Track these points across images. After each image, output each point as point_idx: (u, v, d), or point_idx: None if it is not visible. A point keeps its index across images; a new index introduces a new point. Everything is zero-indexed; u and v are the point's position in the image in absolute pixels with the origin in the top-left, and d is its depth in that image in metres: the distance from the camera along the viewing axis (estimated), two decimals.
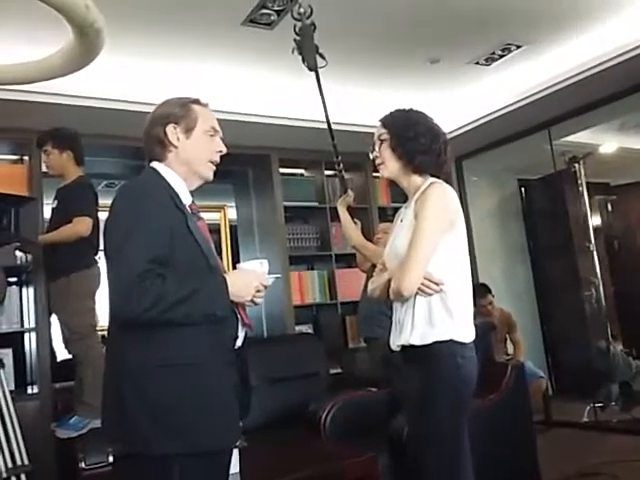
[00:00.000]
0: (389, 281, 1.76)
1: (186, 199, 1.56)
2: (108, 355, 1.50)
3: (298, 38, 2.30)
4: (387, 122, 1.87)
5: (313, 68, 2.23)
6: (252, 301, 1.52)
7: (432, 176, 1.84)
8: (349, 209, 2.46)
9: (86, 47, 2.29)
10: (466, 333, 1.74)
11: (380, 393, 2.87)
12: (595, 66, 3.39)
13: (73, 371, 2.85)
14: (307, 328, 4.31)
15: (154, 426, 1.37)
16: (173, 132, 1.55)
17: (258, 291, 1.51)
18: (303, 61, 2.29)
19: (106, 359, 1.50)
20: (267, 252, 4.20)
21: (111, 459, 2.36)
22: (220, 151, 1.61)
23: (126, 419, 1.39)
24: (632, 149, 5.38)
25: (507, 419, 2.95)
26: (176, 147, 1.55)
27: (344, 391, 2.95)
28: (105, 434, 1.50)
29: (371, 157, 1.92)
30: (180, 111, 1.57)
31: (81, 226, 2.75)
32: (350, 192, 2.50)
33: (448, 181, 1.87)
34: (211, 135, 1.60)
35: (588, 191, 4.79)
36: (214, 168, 1.62)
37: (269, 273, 1.57)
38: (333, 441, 2.66)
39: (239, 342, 1.56)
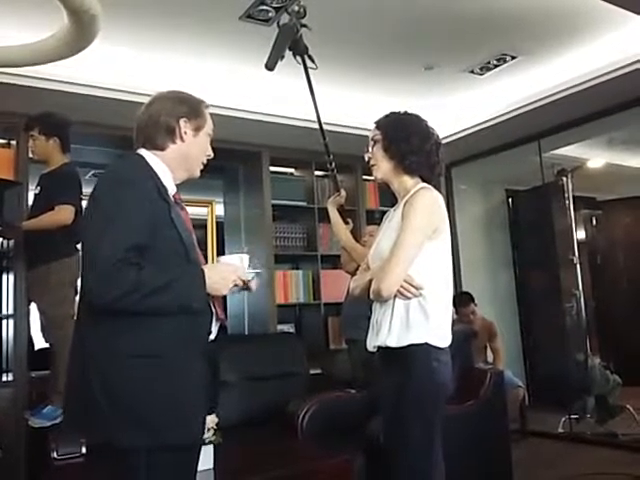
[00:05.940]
0: (370, 281, 1.77)
1: (171, 189, 1.56)
2: (76, 341, 1.47)
3: (277, 31, 2.26)
4: (381, 124, 1.90)
5: (269, 68, 2.17)
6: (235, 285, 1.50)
7: (423, 179, 1.85)
8: (340, 209, 2.46)
9: (80, 33, 2.27)
10: (442, 338, 1.75)
11: (358, 395, 2.87)
12: (587, 81, 3.43)
13: (50, 360, 2.82)
14: (289, 327, 4.30)
15: (120, 417, 1.35)
16: (185, 126, 1.58)
17: (235, 285, 1.51)
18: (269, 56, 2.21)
19: (73, 345, 1.47)
20: (253, 250, 4.18)
21: (84, 450, 2.33)
22: (209, 155, 1.68)
23: (92, 409, 1.37)
24: (619, 165, 5.45)
25: (484, 426, 2.97)
26: (183, 141, 1.58)
27: (323, 392, 2.95)
28: (70, 423, 1.47)
29: (365, 158, 1.93)
30: (196, 109, 1.62)
31: (63, 214, 2.71)
32: (342, 192, 2.48)
33: (438, 186, 1.88)
34: (209, 138, 1.66)
35: (574, 205, 4.82)
36: (202, 168, 1.68)
37: (251, 268, 1.57)
38: (309, 441, 2.65)
39: (212, 336, 1.56)
